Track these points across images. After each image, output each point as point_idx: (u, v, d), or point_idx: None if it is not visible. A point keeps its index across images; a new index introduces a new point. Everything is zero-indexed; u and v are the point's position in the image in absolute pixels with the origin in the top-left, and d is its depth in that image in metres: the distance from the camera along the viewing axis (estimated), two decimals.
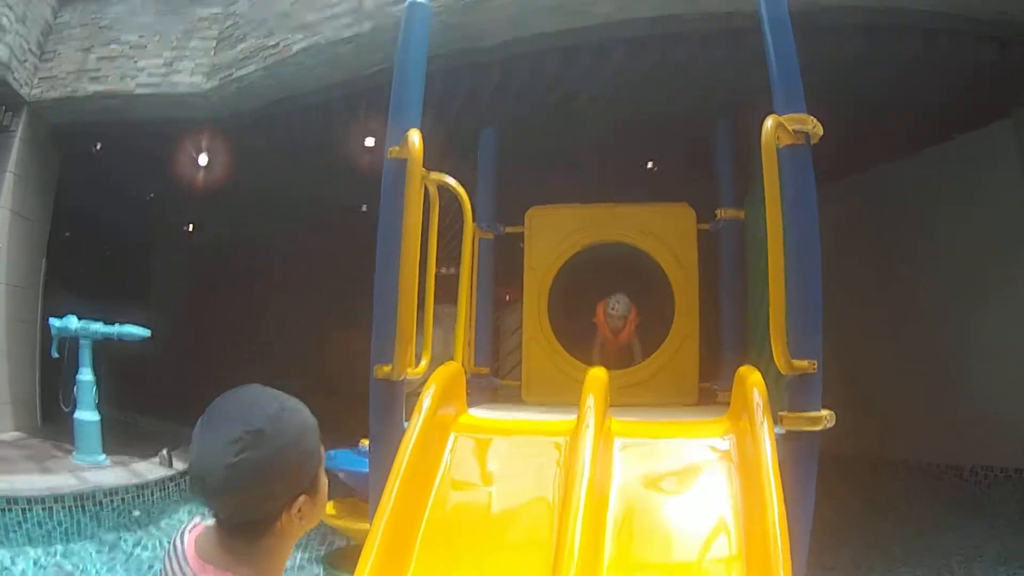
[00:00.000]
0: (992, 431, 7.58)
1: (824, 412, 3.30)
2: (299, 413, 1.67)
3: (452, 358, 4.42)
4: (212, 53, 8.20)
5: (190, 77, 8.21)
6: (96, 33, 8.72)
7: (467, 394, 5.91)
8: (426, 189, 3.95)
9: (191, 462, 1.60)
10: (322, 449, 1.70)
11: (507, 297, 7.21)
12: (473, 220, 5.82)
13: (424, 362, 4.02)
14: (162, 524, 6.99)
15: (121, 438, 8.51)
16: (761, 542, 2.72)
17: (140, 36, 8.55)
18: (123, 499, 6.67)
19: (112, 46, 8.57)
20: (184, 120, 8.51)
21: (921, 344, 8.38)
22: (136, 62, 8.44)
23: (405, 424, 3.48)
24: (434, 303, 4.32)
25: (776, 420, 3.26)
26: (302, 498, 1.62)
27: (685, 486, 3.25)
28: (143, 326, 7.52)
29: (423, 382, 3.69)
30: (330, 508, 5.87)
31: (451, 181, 4.25)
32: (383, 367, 3.53)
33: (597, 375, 3.76)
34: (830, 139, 3.38)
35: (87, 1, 8.94)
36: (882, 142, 8.00)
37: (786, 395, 3.38)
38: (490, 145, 6.41)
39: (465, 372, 5.78)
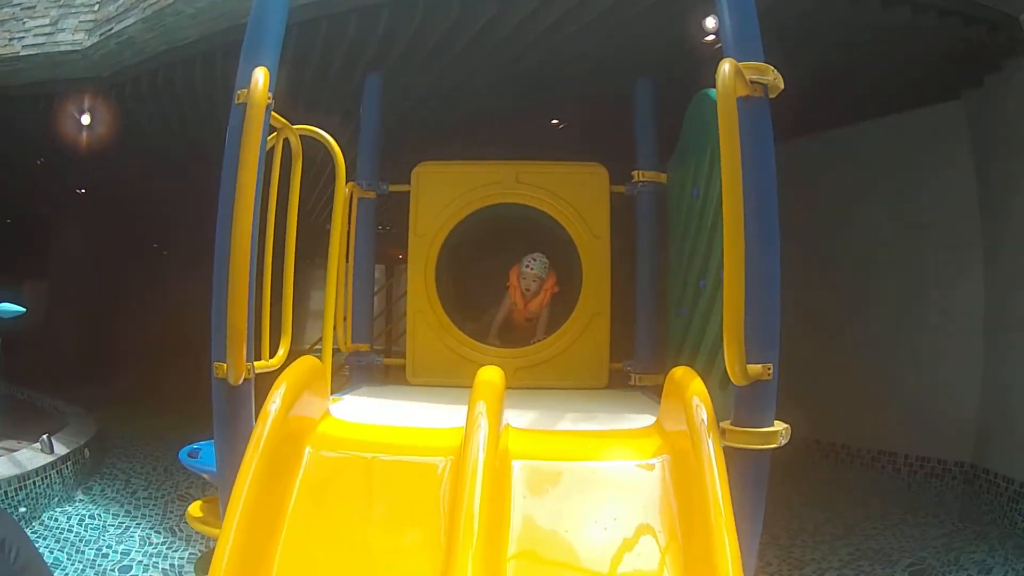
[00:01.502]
0: (929, 422, 7.31)
1: (780, 426, 2.69)
2: None
3: None
4: (96, 8, 7.51)
5: (73, 35, 7.54)
6: None
7: (348, 375, 5.31)
8: (289, 145, 3.33)
9: None
10: None
11: (400, 256, 6.49)
12: (353, 177, 5.16)
13: (282, 351, 3.28)
14: (45, 518, 6.37)
15: (15, 418, 8.40)
16: None
17: None
18: (5, 492, 6.08)
19: (4, 9, 7.90)
20: (68, 81, 7.86)
21: (859, 331, 8.04)
22: (24, 23, 7.76)
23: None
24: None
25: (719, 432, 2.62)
26: None
27: (608, 526, 2.52)
28: (18, 303, 6.79)
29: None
30: (196, 509, 5.11)
31: (320, 132, 3.59)
32: (221, 365, 2.78)
33: (488, 378, 2.97)
34: None
35: None
36: (821, 109, 7.52)
37: (731, 401, 2.75)
38: (375, 93, 5.68)
39: (342, 351, 5.15)
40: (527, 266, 5.45)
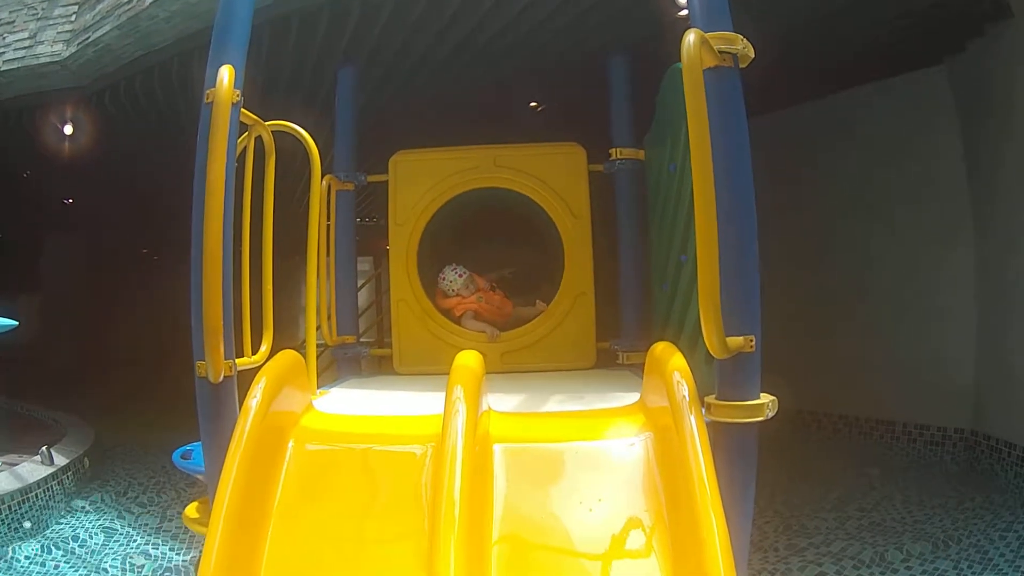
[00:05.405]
0: (927, 389, 7.25)
1: (766, 399, 2.68)
2: None
3: None
4: (73, 18, 7.45)
5: (51, 47, 7.46)
6: None
7: (335, 367, 5.32)
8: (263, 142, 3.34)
9: None
10: None
11: (387, 247, 6.54)
12: (331, 170, 5.14)
13: (264, 347, 3.28)
14: (48, 532, 6.27)
15: (14, 431, 8.44)
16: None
17: (11, 12, 7.85)
18: (10, 507, 6.04)
19: None
20: (49, 92, 7.80)
21: (852, 300, 7.95)
22: (4, 38, 7.70)
23: None
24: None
25: (702, 407, 2.61)
26: None
27: (593, 506, 2.50)
28: (11, 317, 6.67)
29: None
30: (192, 510, 5.08)
31: (293, 126, 3.57)
32: (202, 364, 2.80)
33: (465, 362, 2.92)
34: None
35: None
36: (802, 79, 7.43)
37: (715, 375, 2.73)
38: (349, 85, 5.65)
39: (327, 345, 5.14)
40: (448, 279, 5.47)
